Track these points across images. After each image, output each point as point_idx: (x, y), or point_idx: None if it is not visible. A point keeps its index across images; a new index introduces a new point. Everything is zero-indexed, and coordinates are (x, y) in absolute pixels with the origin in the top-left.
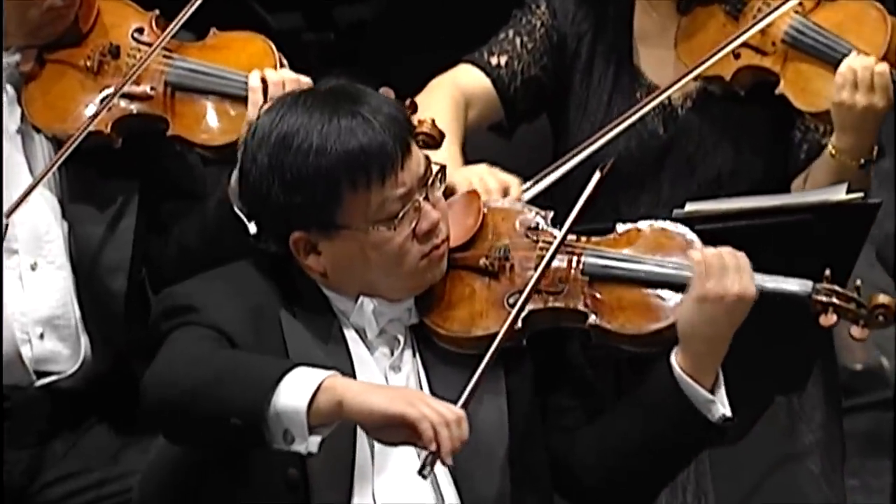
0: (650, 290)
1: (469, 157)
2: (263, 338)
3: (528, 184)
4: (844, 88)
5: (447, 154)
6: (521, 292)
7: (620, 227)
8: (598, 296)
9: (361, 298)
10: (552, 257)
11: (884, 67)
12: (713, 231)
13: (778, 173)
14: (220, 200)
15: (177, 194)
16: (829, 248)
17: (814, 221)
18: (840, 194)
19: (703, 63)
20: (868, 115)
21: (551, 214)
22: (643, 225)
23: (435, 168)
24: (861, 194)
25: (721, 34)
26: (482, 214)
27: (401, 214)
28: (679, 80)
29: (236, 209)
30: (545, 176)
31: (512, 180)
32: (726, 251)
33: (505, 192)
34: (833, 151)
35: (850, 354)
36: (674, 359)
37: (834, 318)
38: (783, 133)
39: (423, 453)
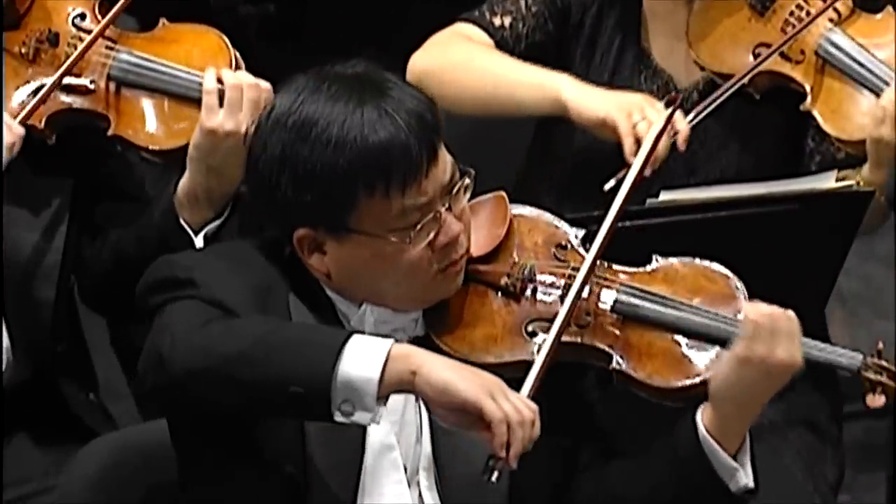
0: (685, 340)
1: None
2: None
3: (691, 115)
4: (884, 124)
5: (568, 82)
6: (542, 320)
7: (656, 261)
8: (626, 337)
9: (365, 306)
10: (580, 291)
11: None
12: (692, 223)
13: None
14: (165, 211)
15: (114, 195)
16: (818, 241)
17: (801, 211)
18: (829, 182)
19: (740, 80)
20: None
21: (582, 232)
22: (682, 261)
23: (463, 177)
24: (852, 182)
25: (745, 32)
26: (509, 223)
27: (419, 226)
28: (716, 99)
29: (182, 222)
30: (704, 108)
31: (676, 113)
32: (780, 313)
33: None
34: (862, 184)
35: None
36: (700, 417)
37: (881, 399)
38: (795, 140)
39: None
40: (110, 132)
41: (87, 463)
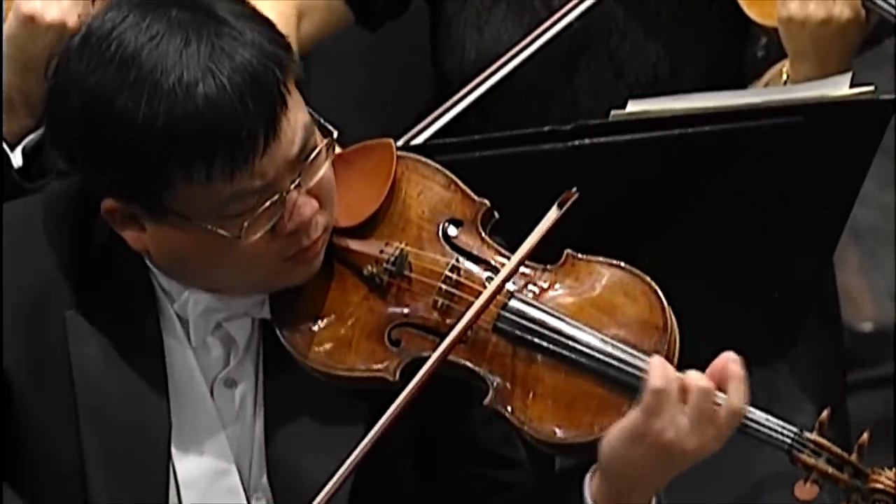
0: (584, 379)
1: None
2: (37, 342)
3: (413, 131)
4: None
5: None
6: (410, 326)
7: (567, 258)
8: (511, 365)
9: (189, 293)
10: (476, 317)
11: None
12: (667, 140)
13: (734, 74)
14: None
15: None
16: (827, 162)
17: (806, 125)
18: (842, 88)
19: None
20: (828, 33)
21: (486, 206)
22: (599, 264)
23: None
24: (870, 88)
25: None
26: (391, 183)
27: (255, 214)
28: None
29: None
30: (436, 118)
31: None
32: (697, 386)
33: None
34: (786, 81)
35: (855, 310)
36: (588, 486)
37: (814, 490)
38: (738, 21)
39: None
40: None
41: None
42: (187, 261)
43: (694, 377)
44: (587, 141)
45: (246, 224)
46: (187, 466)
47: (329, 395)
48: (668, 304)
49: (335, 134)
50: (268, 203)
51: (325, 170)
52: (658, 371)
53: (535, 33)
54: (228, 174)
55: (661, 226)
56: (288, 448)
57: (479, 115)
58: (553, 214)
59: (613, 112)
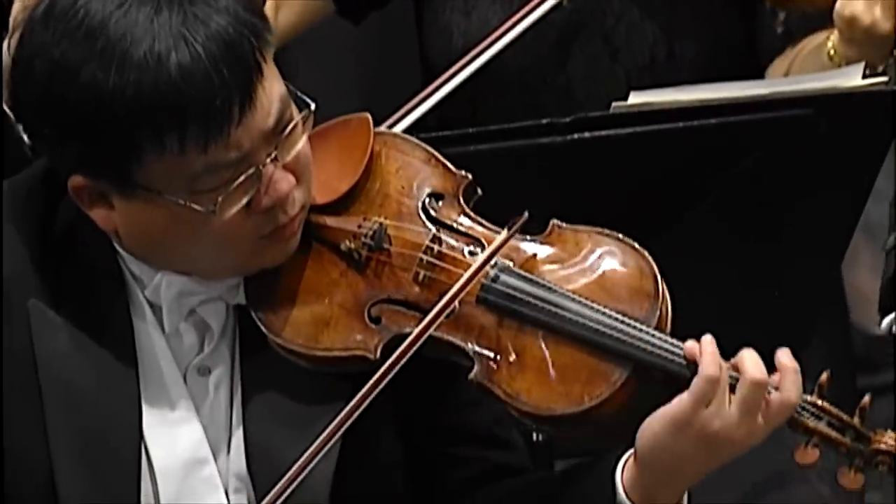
0: (572, 349)
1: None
2: (1, 334)
3: (397, 115)
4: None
5: None
6: (391, 303)
7: (553, 228)
8: (497, 337)
9: (161, 276)
10: (457, 295)
11: None
12: (670, 133)
13: (735, 54)
14: None
15: None
16: (839, 156)
17: (816, 118)
18: (854, 79)
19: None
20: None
21: (467, 180)
22: (587, 232)
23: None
24: (884, 79)
25: None
26: (368, 158)
27: (230, 189)
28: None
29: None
30: (420, 102)
31: None
32: (752, 377)
33: None
34: (832, 54)
35: (868, 312)
36: (620, 476)
37: (815, 454)
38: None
39: None
40: None
41: None
42: (159, 240)
43: (748, 365)
44: (587, 134)
45: (220, 199)
46: (163, 455)
47: (309, 379)
48: (663, 275)
49: (312, 106)
50: (243, 177)
51: (301, 144)
52: (711, 358)
53: (521, 13)
54: (202, 145)
55: (663, 222)
56: (267, 435)
57: (471, 104)
58: (503, 235)
59: (615, 104)
